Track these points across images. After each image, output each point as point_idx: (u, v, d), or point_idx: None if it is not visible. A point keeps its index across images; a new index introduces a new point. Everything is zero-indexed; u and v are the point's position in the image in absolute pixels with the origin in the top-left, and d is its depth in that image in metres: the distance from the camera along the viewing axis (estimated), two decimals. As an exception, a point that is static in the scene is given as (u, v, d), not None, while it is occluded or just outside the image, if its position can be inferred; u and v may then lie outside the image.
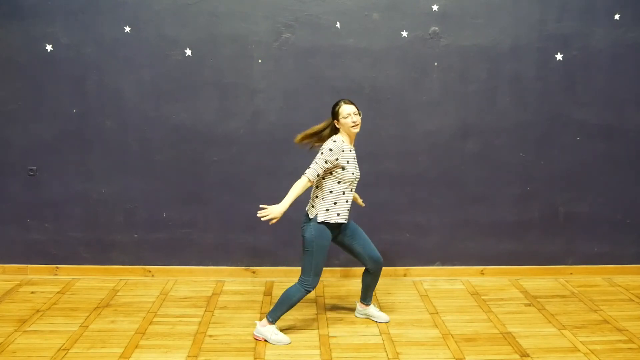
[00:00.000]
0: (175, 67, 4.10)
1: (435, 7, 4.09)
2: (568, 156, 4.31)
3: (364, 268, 3.73)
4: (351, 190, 3.31)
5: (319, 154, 3.21)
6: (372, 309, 3.67)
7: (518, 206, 4.34)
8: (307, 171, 3.18)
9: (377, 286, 4.15)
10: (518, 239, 4.38)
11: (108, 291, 4.07)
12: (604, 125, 4.28)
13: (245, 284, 4.25)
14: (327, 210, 3.25)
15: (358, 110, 3.28)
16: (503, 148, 4.28)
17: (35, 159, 4.20)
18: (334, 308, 3.83)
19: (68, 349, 3.21)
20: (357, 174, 3.32)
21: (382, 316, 3.65)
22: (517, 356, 3.18)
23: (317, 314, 3.73)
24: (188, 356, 3.16)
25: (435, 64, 4.16)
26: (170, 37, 4.07)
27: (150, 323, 3.57)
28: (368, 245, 3.46)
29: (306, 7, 4.06)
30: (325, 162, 3.18)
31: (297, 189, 3.16)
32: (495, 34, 4.13)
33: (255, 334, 3.38)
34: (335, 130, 3.31)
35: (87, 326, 3.51)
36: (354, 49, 4.11)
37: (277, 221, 3.17)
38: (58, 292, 4.03)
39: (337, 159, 3.19)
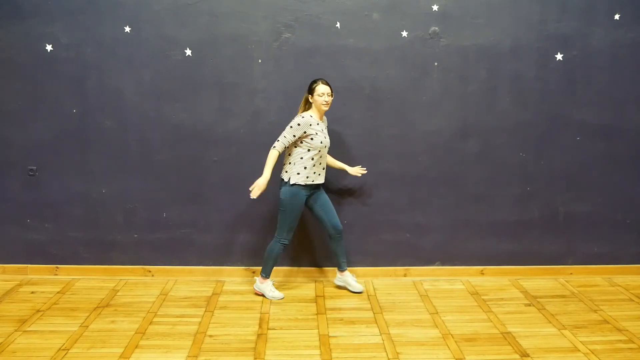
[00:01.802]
0: (175, 67, 4.10)
1: (435, 7, 4.09)
2: (568, 156, 4.31)
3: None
4: (320, 157, 3.78)
5: (287, 128, 3.72)
6: (347, 276, 4.07)
7: (518, 206, 4.34)
8: (276, 144, 3.73)
9: (377, 286, 4.18)
10: (518, 239, 4.38)
11: (108, 291, 4.07)
12: (604, 125, 4.28)
13: (245, 284, 4.25)
14: (299, 173, 3.76)
15: (332, 92, 3.78)
16: (503, 148, 4.28)
17: (35, 159, 4.20)
18: (334, 308, 3.83)
19: (68, 349, 3.21)
20: (326, 142, 3.79)
21: (356, 285, 4.04)
22: (517, 356, 3.18)
23: (317, 314, 3.73)
24: (188, 356, 3.16)
25: (435, 64, 4.16)
26: (170, 37, 4.07)
27: (150, 323, 3.57)
28: (330, 212, 3.92)
29: (306, 7, 4.06)
30: (293, 136, 3.70)
31: (271, 160, 3.73)
32: (495, 34, 4.13)
33: (255, 288, 4.02)
34: (309, 104, 3.82)
35: (87, 326, 3.51)
36: (354, 49, 4.11)
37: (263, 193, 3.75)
38: (58, 292, 4.03)
39: (304, 132, 3.70)
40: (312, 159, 3.75)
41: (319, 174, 3.83)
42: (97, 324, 3.54)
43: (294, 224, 3.86)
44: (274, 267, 4.01)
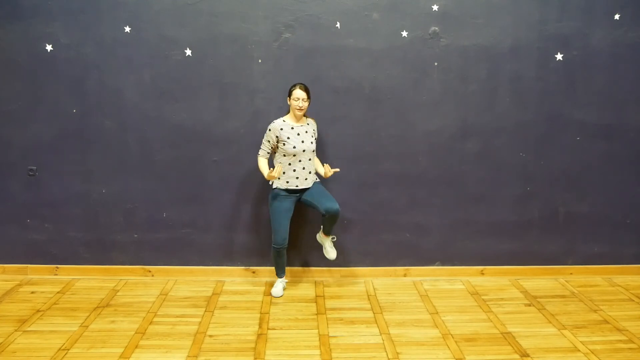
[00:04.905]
0: (175, 67, 4.10)
1: (435, 7, 4.09)
2: (568, 156, 4.31)
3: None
4: (300, 161, 3.76)
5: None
6: (326, 241, 4.07)
7: (518, 206, 4.34)
8: (259, 151, 3.84)
9: (377, 286, 4.19)
10: (518, 239, 4.38)
11: (108, 291, 4.07)
12: (604, 125, 4.28)
13: (245, 284, 4.25)
14: (279, 178, 3.79)
15: (309, 98, 3.77)
16: (503, 148, 4.28)
17: (35, 159, 4.20)
18: (334, 308, 3.83)
19: (68, 349, 3.21)
20: (303, 147, 3.75)
21: (330, 252, 4.06)
22: (517, 356, 3.18)
23: (317, 314, 3.73)
24: (188, 356, 3.16)
25: (435, 64, 4.16)
26: (170, 37, 4.06)
27: (150, 323, 3.57)
28: (321, 198, 3.78)
29: (306, 7, 4.06)
30: (268, 141, 3.79)
31: (261, 165, 3.81)
32: (495, 34, 4.13)
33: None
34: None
35: (87, 326, 3.51)
36: (354, 49, 4.11)
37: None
38: (58, 292, 4.03)
39: (277, 136, 3.75)
40: (290, 164, 3.76)
41: (305, 178, 3.81)
42: (97, 324, 3.54)
43: (278, 228, 3.82)
44: (268, 266, 4.07)
